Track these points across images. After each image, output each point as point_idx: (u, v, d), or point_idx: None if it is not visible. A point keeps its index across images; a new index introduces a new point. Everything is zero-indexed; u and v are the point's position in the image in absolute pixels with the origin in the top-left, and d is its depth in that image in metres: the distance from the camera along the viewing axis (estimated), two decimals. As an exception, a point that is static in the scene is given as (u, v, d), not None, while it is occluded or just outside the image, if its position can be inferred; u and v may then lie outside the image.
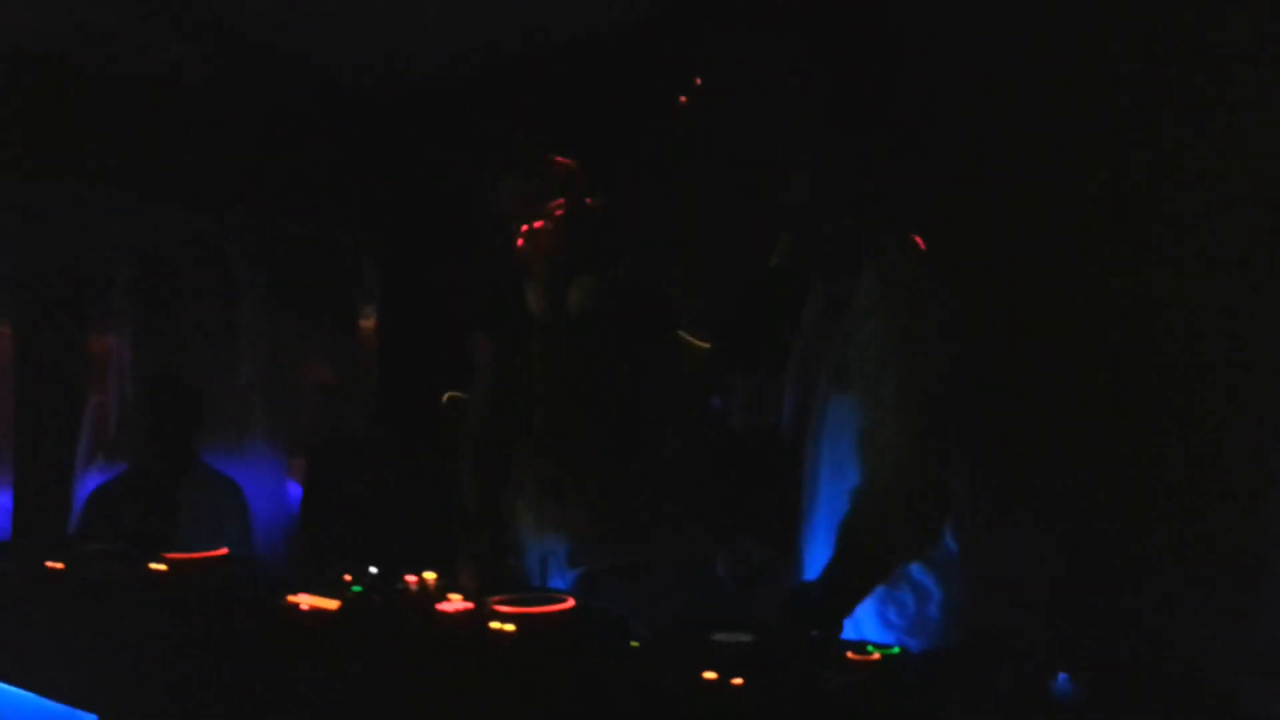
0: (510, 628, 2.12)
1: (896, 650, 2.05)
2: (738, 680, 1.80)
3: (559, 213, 2.72)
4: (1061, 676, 2.01)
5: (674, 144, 3.45)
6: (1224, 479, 2.50)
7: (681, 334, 2.85)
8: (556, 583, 2.70)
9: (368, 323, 4.61)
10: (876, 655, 1.99)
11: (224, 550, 2.74)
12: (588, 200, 2.76)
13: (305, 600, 2.31)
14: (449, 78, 4.19)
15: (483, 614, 2.19)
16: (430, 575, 2.58)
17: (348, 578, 2.50)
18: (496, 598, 2.22)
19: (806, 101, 2.53)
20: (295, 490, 4.57)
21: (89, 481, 4.39)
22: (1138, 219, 2.63)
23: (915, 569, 2.34)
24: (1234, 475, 2.49)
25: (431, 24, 3.80)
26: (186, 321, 4.81)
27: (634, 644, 2.09)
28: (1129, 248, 2.64)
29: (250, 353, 4.68)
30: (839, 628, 2.15)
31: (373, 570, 2.59)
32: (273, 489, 4.45)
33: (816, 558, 2.41)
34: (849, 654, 1.99)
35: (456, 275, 4.07)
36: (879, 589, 2.32)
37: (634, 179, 3.44)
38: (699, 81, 3.36)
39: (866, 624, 2.35)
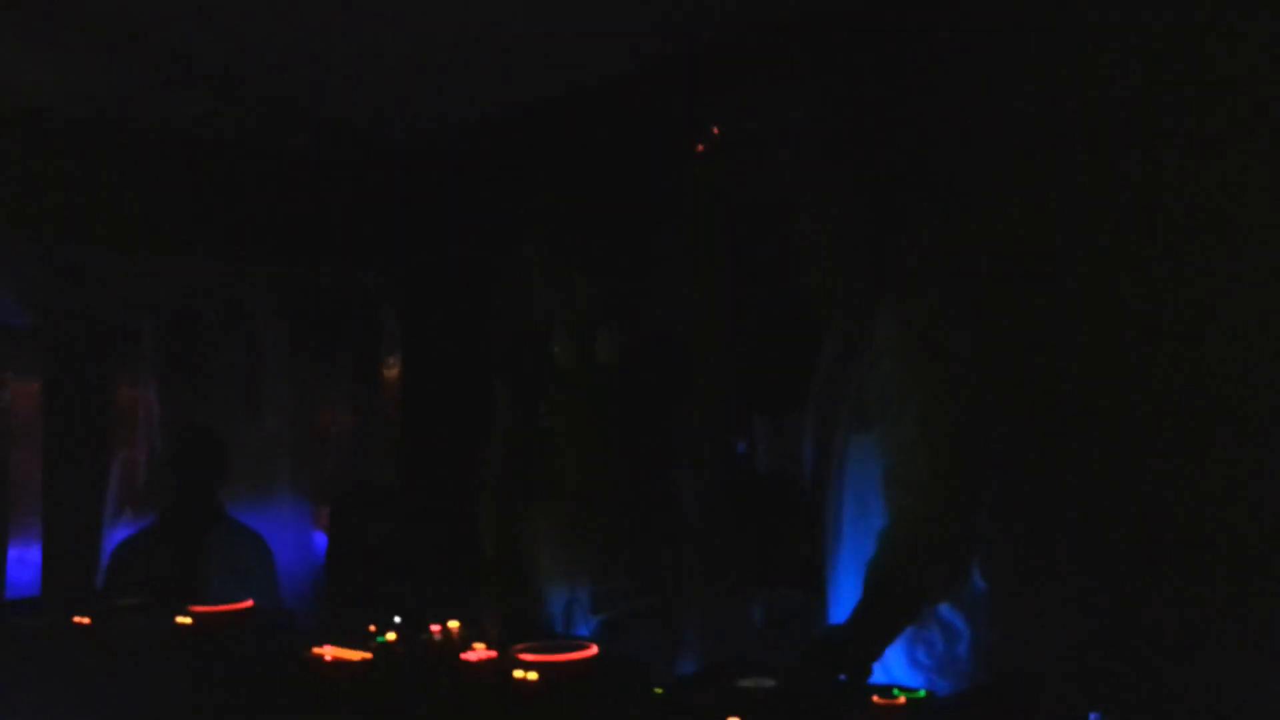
0: (533, 676, 2.12)
1: (923, 694, 2.03)
2: (762, 726, 1.79)
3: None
4: (1093, 716, 1.98)
5: (694, 190, 3.47)
6: (1260, 516, 2.47)
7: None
8: (581, 630, 2.70)
9: (391, 370, 4.63)
10: (902, 699, 1.98)
11: (249, 603, 2.75)
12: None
13: (330, 652, 2.32)
14: (469, 125, 4.22)
15: (506, 662, 2.19)
16: (454, 624, 2.59)
17: (373, 628, 2.50)
18: (519, 646, 2.22)
19: (817, 142, 2.52)
20: (322, 540, 4.58)
21: (117, 534, 4.41)
22: (1174, 254, 2.61)
23: (944, 608, 2.32)
24: (1272, 513, 2.46)
25: (451, 71, 3.84)
26: (212, 373, 4.83)
27: (658, 690, 2.08)
28: (1160, 283, 2.63)
29: (274, 403, 4.70)
30: (868, 671, 2.13)
31: (397, 620, 2.59)
32: (299, 539, 4.46)
33: (843, 600, 2.40)
34: (875, 698, 1.98)
35: (478, 322, 4.09)
36: (907, 629, 2.30)
37: (656, 226, 3.45)
38: (716, 130, 3.38)
39: (895, 665, 2.33)
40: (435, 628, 2.56)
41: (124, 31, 3.59)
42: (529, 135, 4.04)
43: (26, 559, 4.60)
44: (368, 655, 2.31)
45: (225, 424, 4.58)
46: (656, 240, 3.31)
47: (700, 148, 3.28)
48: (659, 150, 3.45)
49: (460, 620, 2.60)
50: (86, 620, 2.74)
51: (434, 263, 4.46)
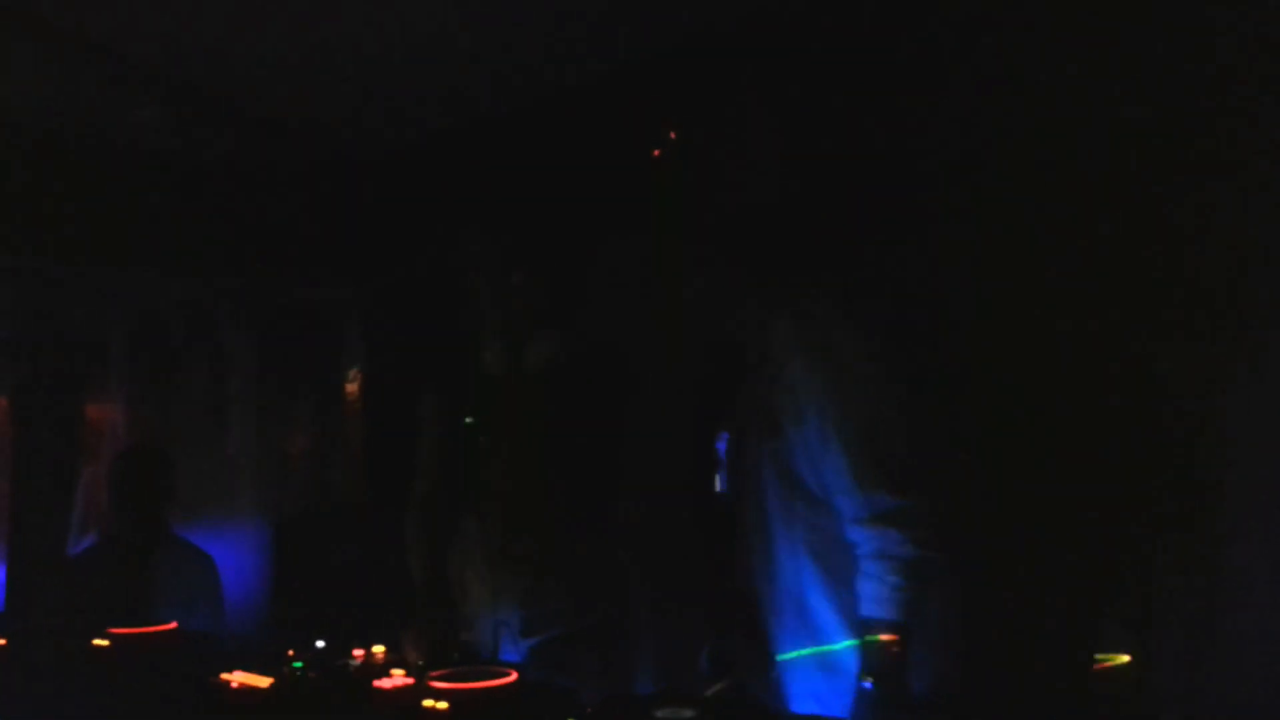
0: (443, 705, 2.01)
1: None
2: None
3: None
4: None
5: (651, 196, 3.37)
6: (1189, 527, 2.34)
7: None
8: (509, 654, 2.57)
9: (354, 386, 4.53)
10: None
11: (173, 625, 2.65)
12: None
13: (237, 678, 2.21)
14: (429, 138, 4.14)
15: (420, 690, 2.09)
16: (379, 649, 2.47)
17: (291, 653, 2.39)
18: (436, 673, 2.11)
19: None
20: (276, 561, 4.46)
21: (72, 552, 4.32)
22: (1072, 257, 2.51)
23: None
24: (1200, 529, 2.33)
25: (411, 85, 3.76)
26: (179, 390, 4.75)
27: (571, 721, 1.97)
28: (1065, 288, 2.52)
29: (238, 420, 4.60)
30: None
31: (319, 644, 2.48)
32: (256, 560, 4.35)
33: (786, 621, 2.31)
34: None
35: (436, 335, 3.98)
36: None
37: (607, 235, 3.35)
38: (673, 134, 3.28)
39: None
40: (358, 652, 2.45)
41: (85, 44, 3.52)
42: (490, 144, 3.95)
43: (-7, 578, 4.50)
44: (274, 681, 2.19)
45: (188, 441, 4.49)
46: (603, 246, 3.19)
47: (657, 153, 3.17)
48: (612, 156, 3.35)
49: (387, 645, 2.50)
50: (1, 641, 2.64)
51: (399, 277, 4.37)
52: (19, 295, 4.58)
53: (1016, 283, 2.53)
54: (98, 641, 2.56)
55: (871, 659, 2.12)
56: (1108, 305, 2.39)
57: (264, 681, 2.19)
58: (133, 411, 4.76)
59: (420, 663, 2.32)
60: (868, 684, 2.11)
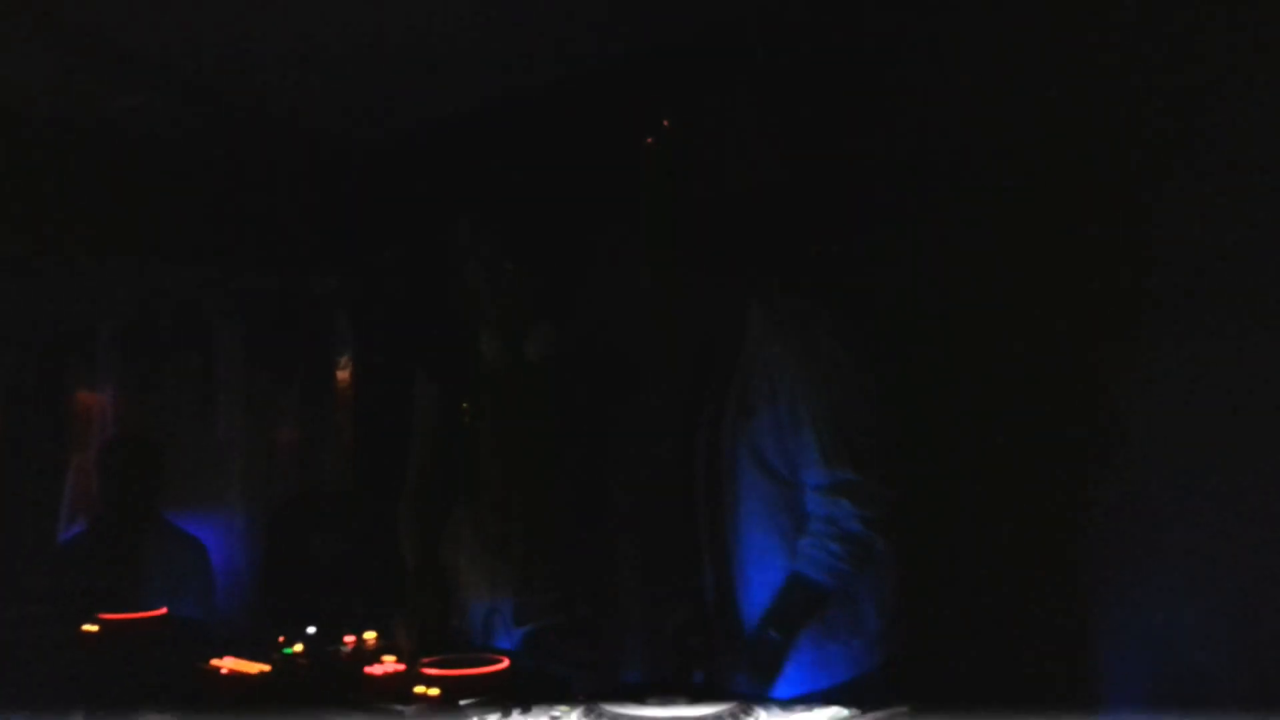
0: (435, 692, 2.01)
1: (846, 714, 1.93)
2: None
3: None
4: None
5: (644, 184, 3.37)
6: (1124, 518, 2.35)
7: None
8: (502, 641, 2.57)
9: (344, 375, 4.51)
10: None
11: (162, 610, 2.64)
12: None
13: (227, 664, 2.20)
14: (421, 127, 4.13)
15: (411, 676, 2.08)
16: (370, 635, 2.47)
17: (281, 639, 2.39)
18: (428, 659, 2.11)
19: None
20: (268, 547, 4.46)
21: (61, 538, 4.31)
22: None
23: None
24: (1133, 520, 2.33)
25: (403, 74, 3.75)
26: (167, 378, 4.73)
27: (563, 708, 1.96)
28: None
29: (227, 409, 4.59)
30: None
31: (310, 630, 2.48)
32: (249, 546, 4.34)
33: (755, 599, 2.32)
34: (789, 721, 1.87)
35: (431, 324, 3.97)
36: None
37: (601, 226, 3.35)
38: (666, 123, 3.28)
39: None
40: (349, 639, 2.45)
41: (81, 35, 3.50)
42: (487, 136, 3.94)
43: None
44: (265, 668, 2.19)
45: (177, 430, 4.48)
46: (599, 239, 3.19)
47: (650, 140, 3.17)
48: (609, 150, 3.35)
49: (378, 631, 2.49)
50: (-10, 627, 2.64)
51: (388, 266, 4.35)
52: (8, 284, 4.56)
53: (981, 281, 2.55)
54: (87, 627, 2.55)
55: (785, 613, 2.19)
56: (1065, 307, 2.41)
57: (254, 668, 2.19)
58: (122, 398, 4.75)
59: (412, 649, 2.32)
60: (774, 634, 2.18)
